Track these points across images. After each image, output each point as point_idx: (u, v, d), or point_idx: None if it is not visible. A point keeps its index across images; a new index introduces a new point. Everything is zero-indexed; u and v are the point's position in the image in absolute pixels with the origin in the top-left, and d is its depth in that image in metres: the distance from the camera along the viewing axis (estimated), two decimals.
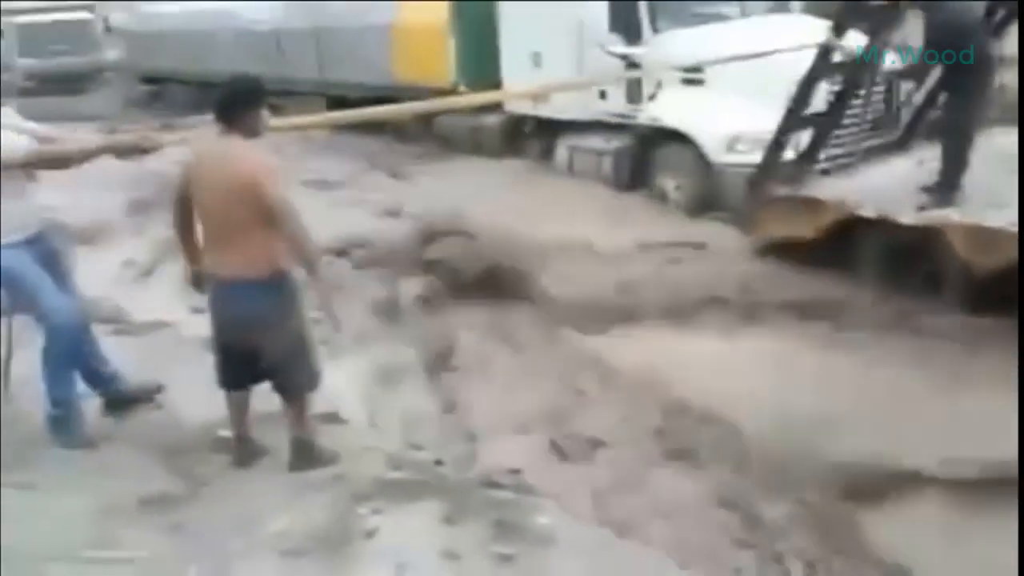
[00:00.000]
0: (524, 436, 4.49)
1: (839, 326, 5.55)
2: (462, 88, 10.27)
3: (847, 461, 3.99)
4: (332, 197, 8.69)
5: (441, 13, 10.71)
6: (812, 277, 6.14)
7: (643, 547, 3.41)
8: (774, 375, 4.98)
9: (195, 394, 4.19)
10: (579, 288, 6.16)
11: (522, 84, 9.29)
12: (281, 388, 3.78)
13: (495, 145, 10.30)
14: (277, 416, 3.89)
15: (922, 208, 5.68)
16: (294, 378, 3.75)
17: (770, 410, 4.48)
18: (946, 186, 5.80)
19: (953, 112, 5.94)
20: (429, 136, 11.16)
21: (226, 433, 3.95)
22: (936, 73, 6.61)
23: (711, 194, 7.73)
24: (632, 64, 8.44)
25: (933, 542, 3.56)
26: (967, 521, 3.65)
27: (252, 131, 3.54)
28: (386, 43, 11.77)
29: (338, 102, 11.52)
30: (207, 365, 3.88)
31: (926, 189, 5.87)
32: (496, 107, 10.24)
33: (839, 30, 6.16)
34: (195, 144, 3.89)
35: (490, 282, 6.14)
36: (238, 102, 3.53)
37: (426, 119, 11.04)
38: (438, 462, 4.08)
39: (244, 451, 3.90)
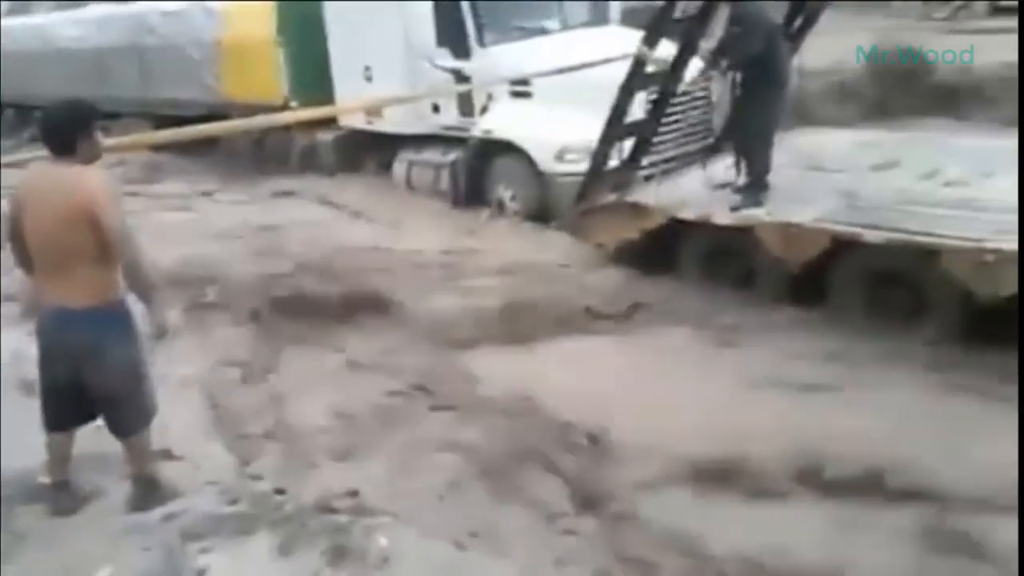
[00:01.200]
0: (367, 457, 4.46)
1: (663, 324, 5.80)
2: (294, 104, 10.11)
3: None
4: (169, 221, 8.39)
5: (269, 28, 10.51)
6: (642, 280, 6.42)
7: (487, 559, 3.45)
8: (623, 376, 5.11)
9: (12, 440, 3.96)
10: (434, 304, 6.22)
11: (355, 99, 9.26)
12: (115, 425, 3.63)
13: (331, 162, 10.19)
14: (100, 458, 3.73)
15: (735, 208, 6.03)
16: (130, 414, 3.61)
17: (619, 411, 4.60)
18: (752, 187, 6.18)
19: (751, 116, 6.32)
20: (262, 155, 10.92)
21: (45, 480, 3.76)
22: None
23: (546, 203, 7.93)
24: (461, 78, 8.55)
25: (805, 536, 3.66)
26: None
27: (87, 156, 3.41)
28: (214, 59, 11.44)
29: (166, 123, 11.10)
30: (29, 408, 3.68)
31: (736, 190, 6.24)
32: (331, 123, 10.15)
33: (651, 41, 6.44)
34: (28, 171, 3.71)
35: (344, 305, 6.13)
36: (68, 127, 3.39)
37: (259, 138, 10.82)
38: (278, 491, 4.00)
39: (65, 498, 3.72)
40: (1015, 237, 4.89)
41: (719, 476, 3.90)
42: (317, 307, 6.05)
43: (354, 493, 3.78)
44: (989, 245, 4.85)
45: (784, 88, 6.29)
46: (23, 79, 13.48)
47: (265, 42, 10.52)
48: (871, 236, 5.30)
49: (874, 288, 5.44)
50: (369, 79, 9.31)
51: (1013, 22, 11.58)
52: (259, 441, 4.64)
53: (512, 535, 3.56)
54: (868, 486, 3.76)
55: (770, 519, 3.65)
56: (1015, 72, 8.66)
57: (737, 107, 6.58)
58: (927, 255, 5.08)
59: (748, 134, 6.37)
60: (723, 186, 6.43)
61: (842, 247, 5.46)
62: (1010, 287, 4.73)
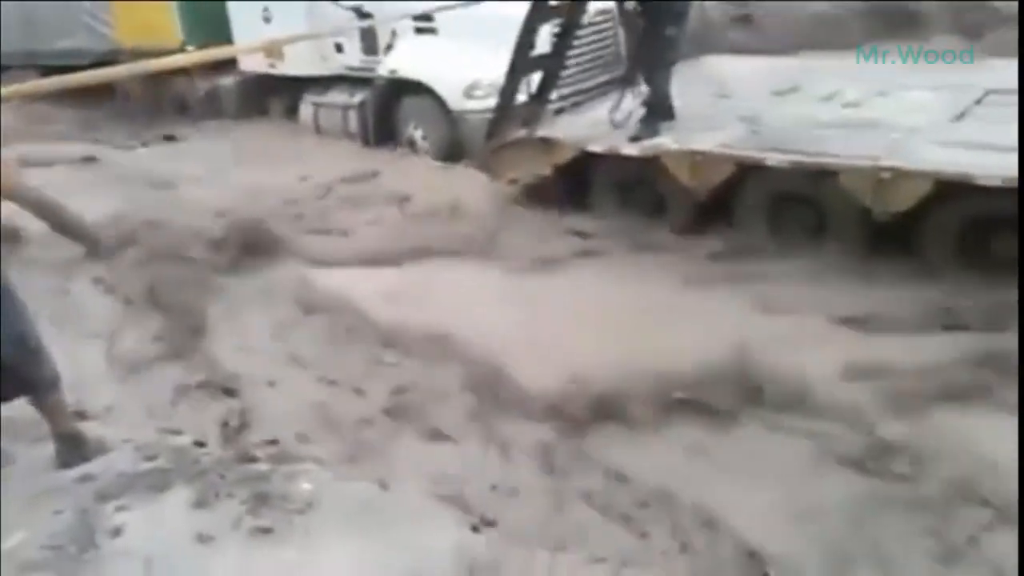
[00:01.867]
0: (292, 401, 4.44)
1: (580, 256, 5.88)
2: (190, 49, 9.70)
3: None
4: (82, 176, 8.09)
5: None
6: (558, 213, 6.45)
7: (408, 498, 3.49)
8: (524, 308, 5.19)
9: None
10: (338, 243, 6.21)
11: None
12: (24, 388, 3.52)
13: (233, 107, 9.88)
14: (8, 423, 3.63)
15: (636, 139, 6.07)
16: (37, 374, 3.50)
17: (523, 341, 4.68)
18: (649, 116, 6.21)
19: (651, 45, 6.32)
20: (161, 103, 10.52)
21: None
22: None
23: (457, 141, 7.85)
24: (363, 15, 8.32)
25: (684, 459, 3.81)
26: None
27: None
28: (103, 6, 10.89)
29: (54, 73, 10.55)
30: None
31: (640, 120, 6.27)
32: (232, 67, 9.81)
33: None
34: None
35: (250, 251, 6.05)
36: None
37: (157, 86, 10.39)
38: (198, 444, 3.96)
39: None
40: (909, 154, 5.08)
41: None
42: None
43: (274, 441, 3.77)
44: (884, 163, 5.01)
45: (683, 17, 6.29)
46: None
47: None
48: (773, 160, 5.42)
49: (779, 210, 5.58)
50: (268, 20, 8.97)
51: None
52: (180, 396, 4.59)
53: (434, 472, 3.61)
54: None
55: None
56: None
57: (637, 37, 6.57)
58: (827, 176, 5.22)
59: (648, 63, 6.39)
60: (626, 118, 6.42)
61: (746, 172, 5.57)
62: (904, 203, 4.92)
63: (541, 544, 2.96)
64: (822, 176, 5.24)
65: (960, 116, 5.68)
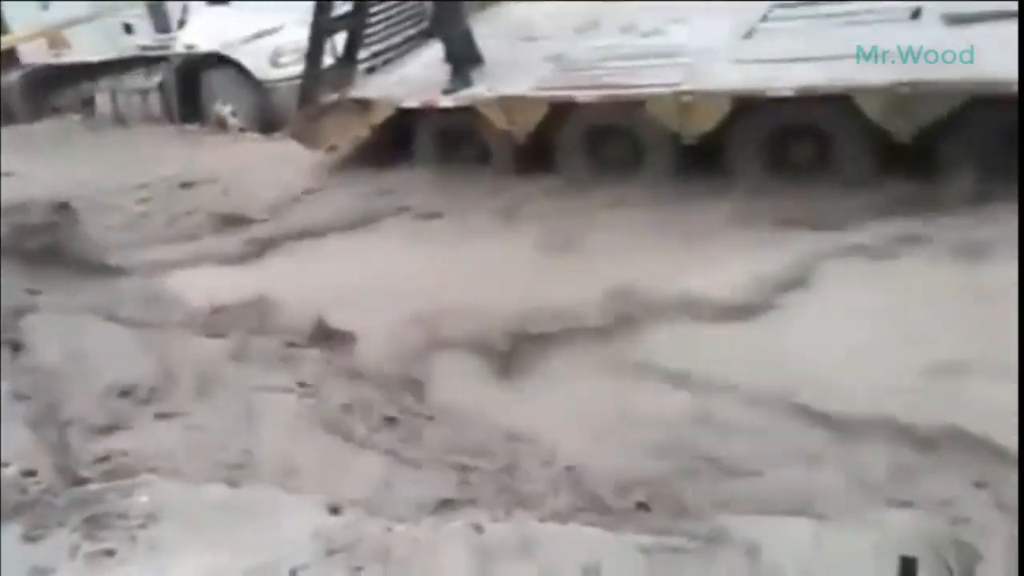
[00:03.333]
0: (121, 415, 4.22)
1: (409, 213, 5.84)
2: None
3: None
4: None
5: None
6: (382, 174, 6.36)
7: (257, 490, 3.40)
8: (380, 274, 5.11)
9: None
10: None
11: (31, 29, 8.30)
12: None
13: (19, 106, 9.12)
14: None
15: (449, 91, 6.03)
16: None
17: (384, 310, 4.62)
18: (458, 67, 6.16)
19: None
20: None
21: None
22: None
23: (268, 112, 7.58)
24: None
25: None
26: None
27: None
28: None
29: None
30: None
31: (450, 73, 6.21)
32: (13, 62, 9.05)
33: None
34: None
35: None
36: None
37: None
38: (27, 473, 3.71)
39: None
40: (707, 78, 5.27)
41: None
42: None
43: (104, 459, 3.57)
44: (685, 87, 5.18)
45: None
46: None
47: None
48: (583, 96, 5.50)
49: (594, 144, 5.68)
50: (45, 7, 8.34)
51: None
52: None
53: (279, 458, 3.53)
54: None
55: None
56: None
57: None
58: (635, 106, 5.35)
59: (438, 16, 6.33)
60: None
61: (560, 111, 5.63)
62: (708, 124, 5.11)
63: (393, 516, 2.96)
64: (630, 106, 5.37)
65: (749, 34, 5.92)
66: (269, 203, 6.21)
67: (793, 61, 5.09)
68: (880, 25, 5.49)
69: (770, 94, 4.93)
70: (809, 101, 4.88)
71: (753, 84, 5.04)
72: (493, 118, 5.81)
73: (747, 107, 5.05)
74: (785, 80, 4.95)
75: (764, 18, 6.11)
